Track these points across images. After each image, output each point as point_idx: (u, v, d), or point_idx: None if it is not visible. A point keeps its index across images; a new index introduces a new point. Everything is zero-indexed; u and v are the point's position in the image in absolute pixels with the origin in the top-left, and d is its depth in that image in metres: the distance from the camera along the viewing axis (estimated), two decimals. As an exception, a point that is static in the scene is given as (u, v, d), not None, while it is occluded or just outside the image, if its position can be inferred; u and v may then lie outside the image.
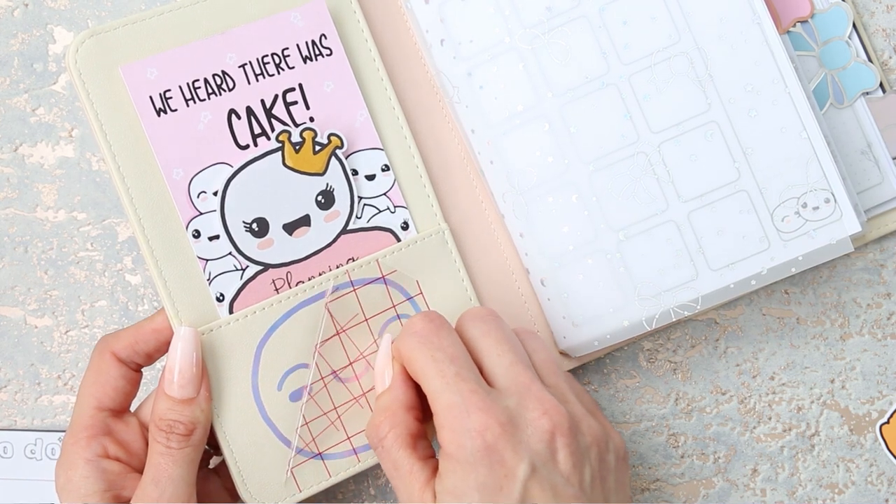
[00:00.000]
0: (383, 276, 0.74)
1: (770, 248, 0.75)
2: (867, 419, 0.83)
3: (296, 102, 0.73)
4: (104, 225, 0.82)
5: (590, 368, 0.83)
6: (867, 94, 0.80)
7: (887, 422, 0.83)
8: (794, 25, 0.80)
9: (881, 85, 0.81)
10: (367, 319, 0.74)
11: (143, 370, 0.73)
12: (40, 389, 0.82)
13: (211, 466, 0.77)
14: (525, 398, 0.68)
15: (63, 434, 0.81)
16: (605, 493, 0.69)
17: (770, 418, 0.83)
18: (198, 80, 0.71)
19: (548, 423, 0.67)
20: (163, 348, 0.72)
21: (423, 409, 0.71)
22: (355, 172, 0.74)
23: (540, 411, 0.67)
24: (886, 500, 0.83)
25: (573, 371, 0.82)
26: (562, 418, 0.67)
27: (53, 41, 0.82)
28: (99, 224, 0.82)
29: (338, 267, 0.73)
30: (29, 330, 0.82)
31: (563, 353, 0.80)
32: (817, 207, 0.75)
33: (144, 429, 0.72)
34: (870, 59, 0.81)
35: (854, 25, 0.81)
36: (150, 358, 0.72)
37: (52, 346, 0.82)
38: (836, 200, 0.75)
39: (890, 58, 0.82)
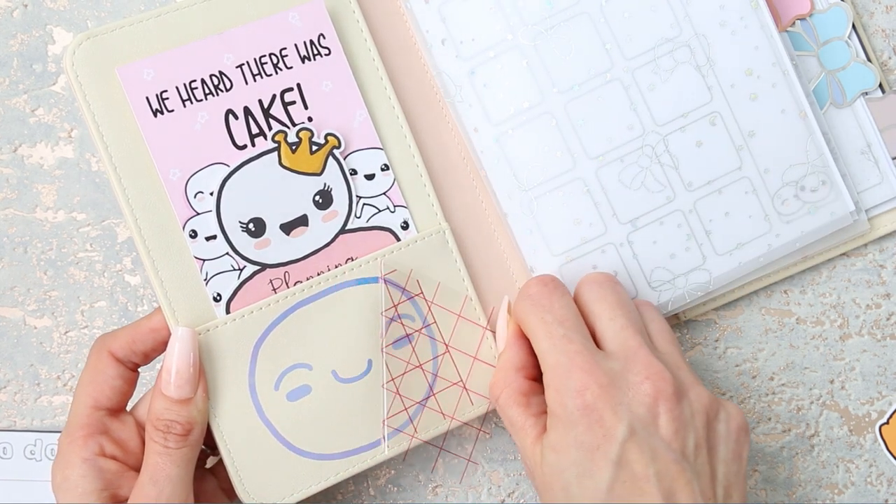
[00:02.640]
0: (383, 276, 0.74)
1: (771, 230, 0.77)
2: (867, 420, 0.83)
3: (294, 102, 0.73)
4: (103, 225, 0.82)
5: (589, 369, 0.83)
6: (867, 94, 0.80)
7: (887, 422, 0.83)
8: (794, 24, 0.80)
9: (880, 85, 0.81)
10: (366, 318, 0.73)
11: (139, 369, 0.73)
12: (40, 390, 0.82)
13: (208, 466, 0.77)
14: (631, 362, 0.69)
15: (62, 434, 0.81)
16: (713, 462, 0.69)
17: (769, 419, 0.83)
18: (195, 81, 0.71)
19: (650, 387, 0.68)
20: (160, 348, 0.72)
21: (537, 365, 0.74)
22: (354, 172, 0.74)
23: (643, 375, 0.69)
24: (886, 501, 0.83)
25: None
26: (665, 384, 0.68)
27: (53, 42, 0.82)
28: (98, 225, 0.82)
29: (337, 266, 0.73)
30: (28, 330, 0.82)
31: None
32: (815, 190, 0.77)
33: (141, 428, 0.72)
34: (869, 60, 0.81)
35: (854, 26, 0.81)
36: (148, 357, 0.72)
37: (52, 347, 0.82)
38: (831, 182, 0.76)
39: (889, 58, 0.82)
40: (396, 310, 0.74)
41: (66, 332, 0.82)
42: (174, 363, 0.69)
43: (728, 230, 0.77)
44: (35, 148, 0.82)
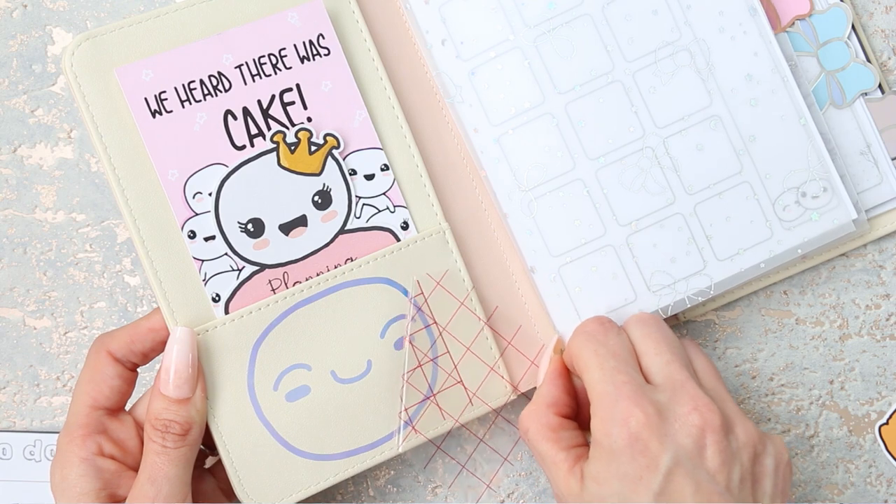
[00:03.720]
0: (383, 277, 0.74)
1: (773, 236, 0.77)
2: (866, 420, 0.83)
3: (293, 102, 0.73)
4: (103, 226, 0.82)
5: (589, 369, 0.83)
6: (866, 94, 0.80)
7: (886, 423, 0.83)
8: (793, 24, 0.80)
9: (880, 86, 0.81)
10: (367, 319, 0.73)
11: (139, 370, 0.73)
12: (39, 391, 0.82)
13: (206, 466, 0.77)
14: (678, 394, 0.70)
15: (61, 434, 0.82)
16: (757, 496, 0.69)
17: (769, 419, 0.83)
18: (193, 82, 0.71)
19: (698, 418, 0.68)
20: (159, 348, 0.72)
21: (571, 405, 0.75)
22: (354, 172, 0.74)
23: (691, 406, 0.69)
24: (885, 501, 0.83)
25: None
26: (713, 416, 0.68)
27: (52, 42, 0.82)
28: (98, 225, 0.82)
29: (336, 267, 0.73)
30: (28, 331, 0.82)
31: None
32: (816, 196, 0.77)
33: (140, 427, 0.72)
34: (868, 60, 0.80)
35: (853, 26, 0.81)
36: (146, 357, 0.72)
37: (51, 348, 0.82)
38: (832, 188, 0.76)
39: (889, 59, 0.82)
40: (396, 310, 0.74)
41: (66, 333, 0.82)
42: (173, 363, 0.69)
43: (729, 235, 0.77)
44: (34, 148, 0.82)
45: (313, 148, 0.72)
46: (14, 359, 0.82)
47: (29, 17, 0.83)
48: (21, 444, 0.81)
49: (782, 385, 0.83)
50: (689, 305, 0.78)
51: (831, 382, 0.83)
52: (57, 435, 0.81)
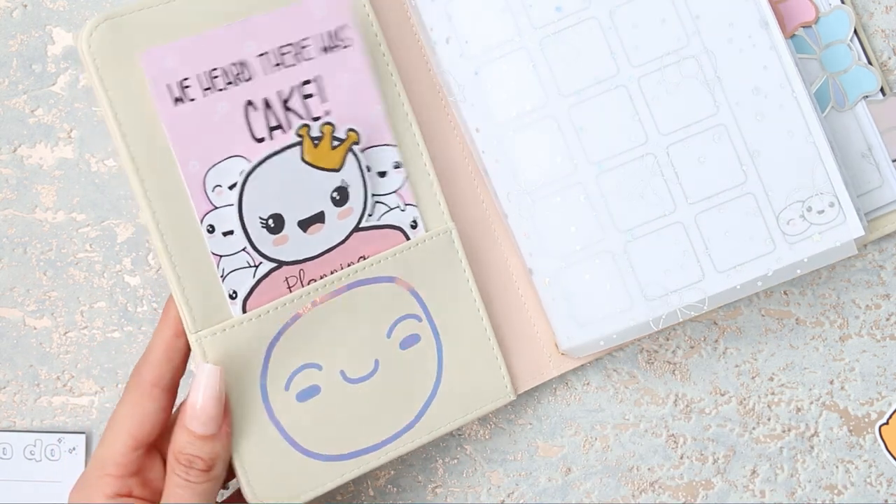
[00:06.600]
0: (392, 276, 0.73)
1: (776, 250, 0.76)
2: (866, 420, 0.84)
3: (312, 95, 0.71)
4: (103, 226, 0.82)
5: (589, 369, 0.83)
6: (868, 97, 0.81)
7: (886, 423, 0.83)
8: (798, 30, 0.80)
9: (881, 88, 0.81)
10: (375, 318, 0.73)
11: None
12: (39, 391, 0.82)
13: (219, 500, 0.75)
14: None
15: (62, 435, 0.81)
16: None
17: (769, 419, 0.83)
18: (215, 70, 0.68)
19: None
20: (188, 351, 0.70)
21: None
22: (368, 169, 0.73)
23: None
24: (886, 501, 0.84)
25: (573, 372, 0.82)
26: None
27: (52, 42, 0.82)
28: (98, 225, 0.82)
29: (350, 265, 0.73)
30: (28, 331, 0.82)
31: (564, 355, 0.80)
32: (822, 211, 0.76)
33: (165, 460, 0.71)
34: (870, 63, 0.81)
35: (854, 30, 0.81)
36: (184, 366, 0.70)
37: (51, 348, 0.82)
38: (840, 205, 0.76)
39: (889, 59, 0.83)
40: (404, 309, 0.74)
41: (66, 333, 0.82)
42: (200, 399, 0.67)
43: (729, 247, 0.76)
44: (34, 148, 0.82)
45: (335, 143, 0.71)
46: (14, 359, 0.82)
47: (29, 16, 0.82)
48: (21, 444, 0.81)
49: (782, 385, 0.84)
50: (680, 319, 0.77)
51: (831, 382, 0.84)
52: (57, 435, 0.81)
